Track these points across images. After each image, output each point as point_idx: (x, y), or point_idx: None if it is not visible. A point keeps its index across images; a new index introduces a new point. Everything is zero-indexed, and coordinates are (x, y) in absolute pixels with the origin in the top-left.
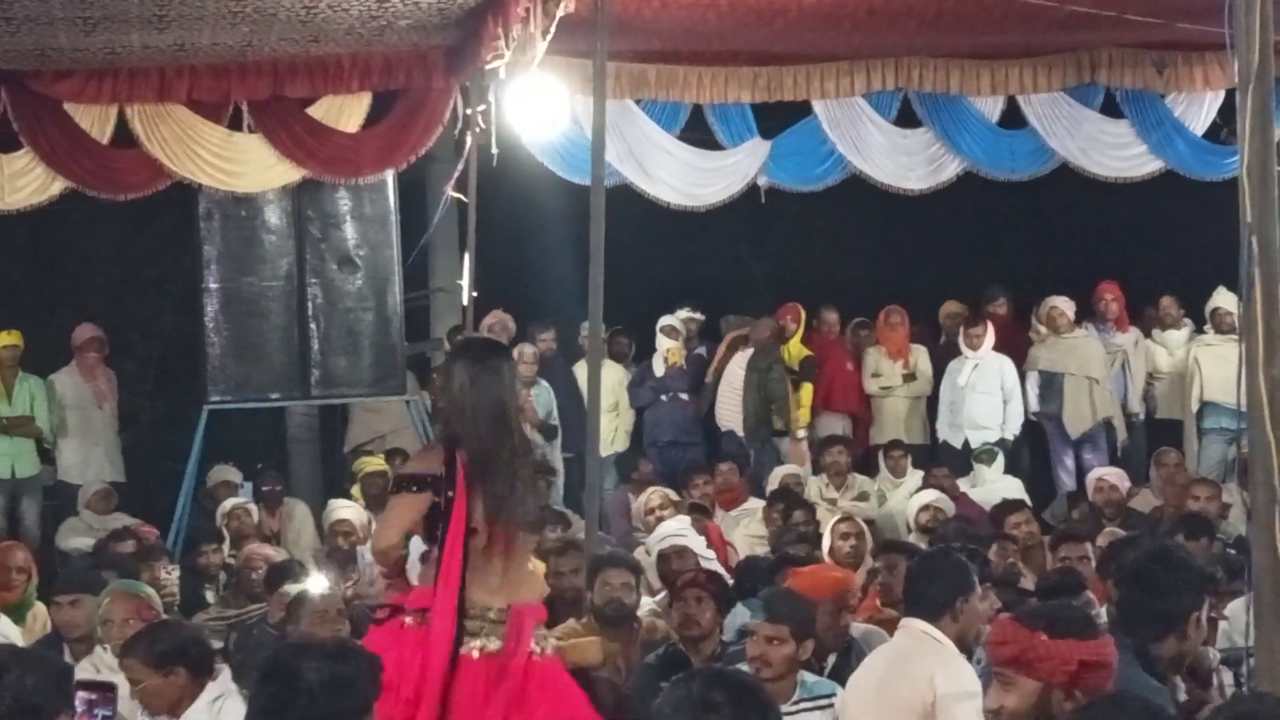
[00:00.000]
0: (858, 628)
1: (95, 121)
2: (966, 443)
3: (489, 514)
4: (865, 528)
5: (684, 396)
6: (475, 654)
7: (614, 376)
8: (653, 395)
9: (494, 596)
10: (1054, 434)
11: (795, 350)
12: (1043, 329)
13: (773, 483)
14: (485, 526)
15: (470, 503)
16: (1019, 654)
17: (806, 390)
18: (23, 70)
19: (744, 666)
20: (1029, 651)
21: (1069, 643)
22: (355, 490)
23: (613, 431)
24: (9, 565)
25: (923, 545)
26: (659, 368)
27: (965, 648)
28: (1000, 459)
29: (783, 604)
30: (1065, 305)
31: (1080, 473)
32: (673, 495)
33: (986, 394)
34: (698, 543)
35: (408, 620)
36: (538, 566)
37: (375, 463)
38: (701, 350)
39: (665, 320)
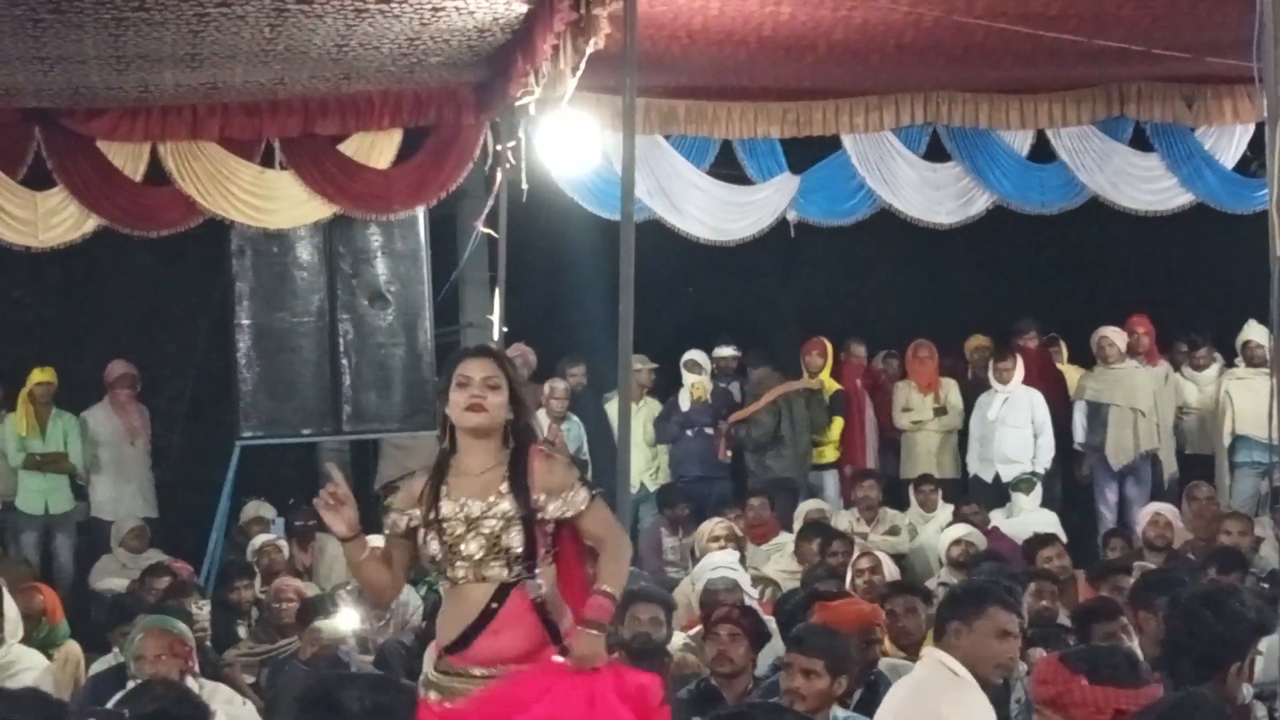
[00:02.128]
0: (886, 661)
1: (128, 159)
2: (998, 477)
3: None
4: (883, 562)
5: (709, 431)
6: None
7: (652, 411)
8: (679, 430)
9: None
10: (1097, 466)
11: (826, 384)
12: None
13: (799, 518)
14: None
15: None
16: (1057, 695)
17: (837, 424)
18: (56, 108)
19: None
20: (1066, 695)
21: (1108, 690)
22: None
23: (655, 466)
24: (20, 607)
25: (954, 580)
26: (684, 403)
27: (977, 676)
28: (1039, 488)
29: (817, 638)
30: (1116, 335)
31: (1122, 506)
32: (737, 529)
33: (1017, 428)
34: (744, 578)
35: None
36: None
37: None
38: (734, 385)
39: (688, 355)
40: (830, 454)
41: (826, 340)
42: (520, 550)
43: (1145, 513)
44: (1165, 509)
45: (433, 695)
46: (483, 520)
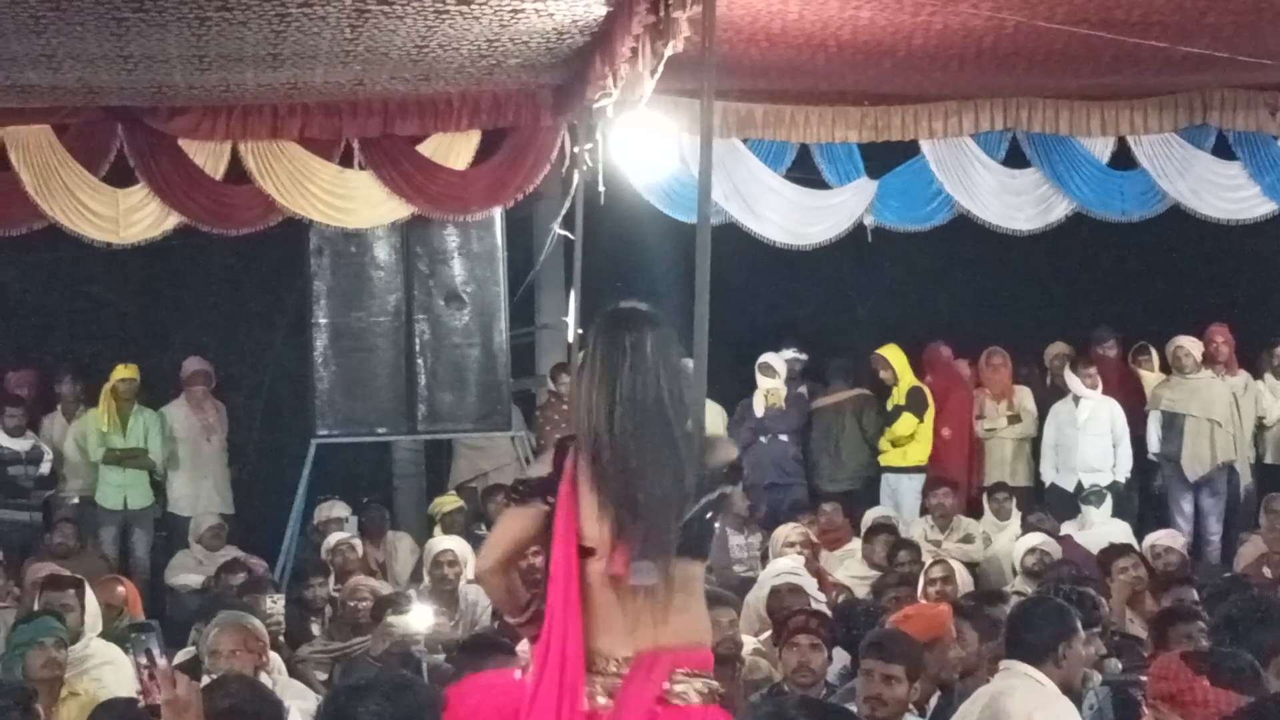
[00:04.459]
0: None
1: (209, 158)
2: (1080, 485)
3: (612, 530)
4: (956, 571)
5: (784, 438)
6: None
7: (710, 415)
8: (752, 436)
9: (619, 642)
10: (1172, 477)
11: (904, 385)
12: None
13: (865, 525)
14: (607, 547)
15: (583, 513)
16: (1177, 693)
17: (906, 421)
18: (139, 107)
19: (853, 707)
20: (1187, 694)
21: (1230, 694)
22: (437, 531)
23: None
24: (101, 600)
25: (1028, 589)
26: (759, 408)
27: (1071, 693)
28: (1109, 501)
29: (896, 644)
30: (1192, 345)
31: (1198, 517)
32: (813, 535)
33: (1099, 436)
34: (810, 583)
35: (518, 673)
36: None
37: (451, 501)
38: (803, 389)
39: (763, 359)
40: (912, 456)
41: (883, 355)
42: None
43: (1145, 547)
44: (1162, 537)
45: None
46: None
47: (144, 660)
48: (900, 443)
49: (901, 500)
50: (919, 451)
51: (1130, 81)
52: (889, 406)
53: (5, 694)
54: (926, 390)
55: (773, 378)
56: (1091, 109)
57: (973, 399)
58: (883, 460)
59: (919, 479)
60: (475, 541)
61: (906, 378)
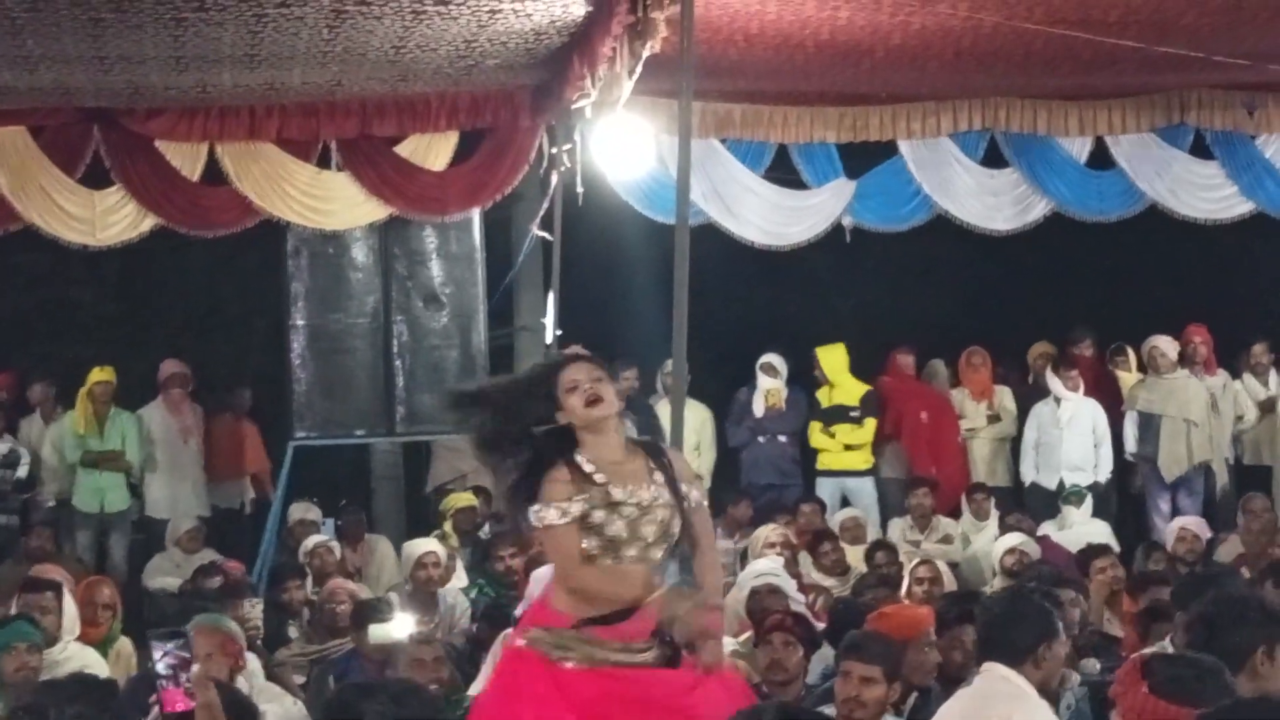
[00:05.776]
0: None
1: (186, 159)
2: (1061, 484)
3: None
4: (942, 571)
5: (782, 439)
6: None
7: (698, 417)
8: (750, 435)
9: None
10: (1150, 477)
11: (852, 388)
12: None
13: (835, 526)
14: None
15: None
16: (1120, 694)
17: (869, 426)
18: (115, 108)
19: (831, 709)
20: (1125, 696)
21: (1165, 705)
22: (447, 528)
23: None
24: (96, 601)
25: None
26: (758, 408)
27: (1049, 694)
28: (1089, 501)
29: (874, 645)
30: (1167, 346)
31: (1175, 517)
32: (793, 536)
33: (1081, 436)
34: (789, 584)
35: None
36: None
37: (465, 498)
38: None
39: (766, 358)
40: (866, 459)
41: (838, 349)
42: (678, 536)
43: (1171, 530)
44: (1190, 523)
45: (570, 660)
46: (653, 508)
47: (169, 666)
48: (855, 446)
49: (860, 502)
50: (869, 454)
51: (1108, 81)
52: (825, 405)
53: (92, 687)
54: (876, 394)
55: (775, 377)
56: (1069, 109)
57: (937, 403)
58: (834, 464)
59: (870, 480)
60: (473, 542)
61: (844, 380)
